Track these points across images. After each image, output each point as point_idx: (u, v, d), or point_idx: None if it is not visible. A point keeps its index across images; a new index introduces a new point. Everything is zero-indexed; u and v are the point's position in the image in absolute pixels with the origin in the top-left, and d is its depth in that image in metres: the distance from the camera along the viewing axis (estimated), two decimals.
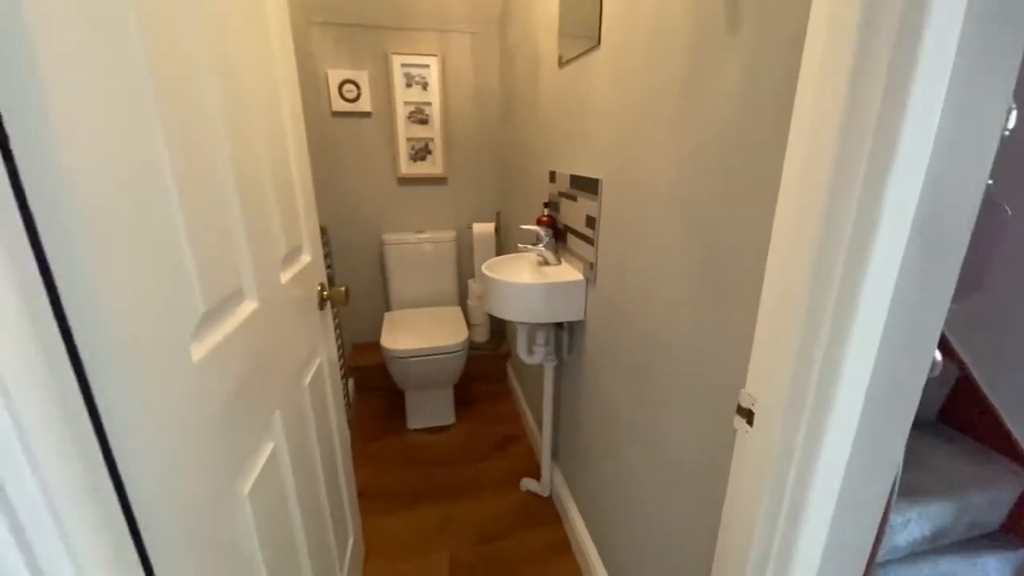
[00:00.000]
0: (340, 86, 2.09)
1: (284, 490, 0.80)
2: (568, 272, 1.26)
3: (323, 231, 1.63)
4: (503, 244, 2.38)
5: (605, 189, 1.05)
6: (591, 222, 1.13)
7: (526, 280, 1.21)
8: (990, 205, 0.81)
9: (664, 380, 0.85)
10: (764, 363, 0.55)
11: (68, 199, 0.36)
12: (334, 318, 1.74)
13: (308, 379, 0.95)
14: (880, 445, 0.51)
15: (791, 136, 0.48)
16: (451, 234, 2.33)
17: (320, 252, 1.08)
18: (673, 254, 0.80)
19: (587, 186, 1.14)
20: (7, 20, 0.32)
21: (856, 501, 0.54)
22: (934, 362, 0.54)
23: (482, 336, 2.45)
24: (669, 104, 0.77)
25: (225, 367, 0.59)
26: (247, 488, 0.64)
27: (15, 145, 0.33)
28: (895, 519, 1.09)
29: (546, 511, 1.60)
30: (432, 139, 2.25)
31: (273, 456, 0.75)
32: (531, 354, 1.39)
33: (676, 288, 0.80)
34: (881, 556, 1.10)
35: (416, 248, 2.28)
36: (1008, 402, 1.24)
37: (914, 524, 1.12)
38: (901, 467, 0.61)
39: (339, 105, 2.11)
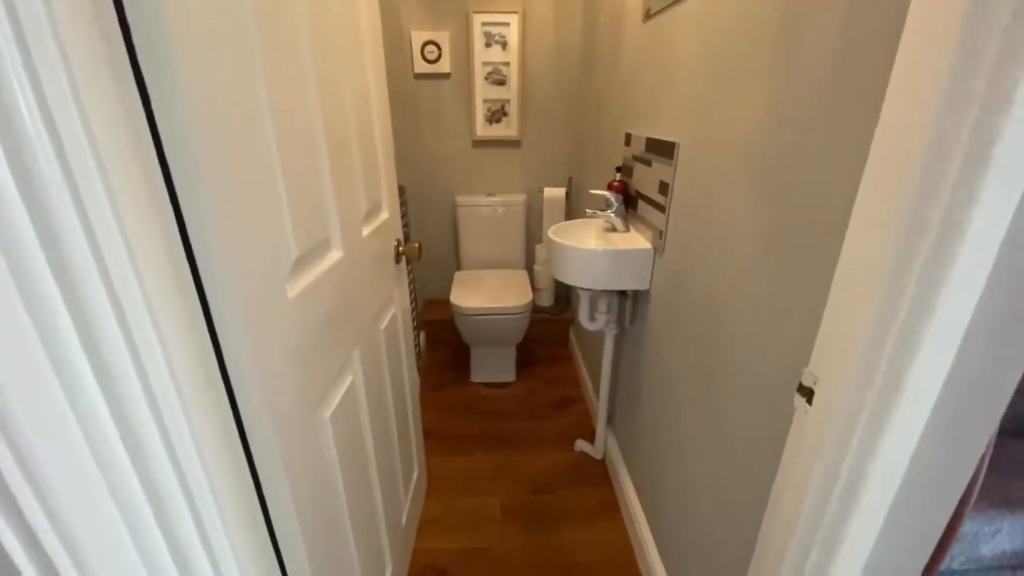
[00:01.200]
0: (423, 47, 2.13)
1: (360, 419, 0.90)
2: (636, 240, 1.24)
3: (401, 190, 1.72)
4: (573, 209, 2.36)
5: (681, 153, 1.01)
6: (664, 188, 1.09)
7: (591, 246, 1.21)
8: None
9: (726, 354, 0.83)
10: (831, 340, 0.52)
11: (192, 141, 0.43)
12: (408, 273, 1.86)
13: (384, 324, 1.05)
14: (956, 440, 0.48)
15: (889, 93, 0.44)
16: (521, 198, 2.34)
17: (398, 210, 1.16)
18: (744, 222, 0.76)
19: (663, 150, 1.09)
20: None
21: (920, 498, 0.51)
22: None
23: (547, 300, 2.48)
24: (758, 57, 0.71)
25: (314, 305, 0.68)
26: (329, 412, 0.74)
27: (151, 87, 0.40)
28: (982, 528, 1.00)
29: (598, 472, 1.65)
30: (508, 101, 2.24)
31: (352, 387, 0.85)
32: (592, 320, 1.40)
33: (744, 258, 0.76)
34: (960, 564, 1.02)
35: (487, 211, 2.33)
36: None
37: (1004, 536, 1.01)
38: (984, 470, 0.56)
39: (421, 67, 2.16)
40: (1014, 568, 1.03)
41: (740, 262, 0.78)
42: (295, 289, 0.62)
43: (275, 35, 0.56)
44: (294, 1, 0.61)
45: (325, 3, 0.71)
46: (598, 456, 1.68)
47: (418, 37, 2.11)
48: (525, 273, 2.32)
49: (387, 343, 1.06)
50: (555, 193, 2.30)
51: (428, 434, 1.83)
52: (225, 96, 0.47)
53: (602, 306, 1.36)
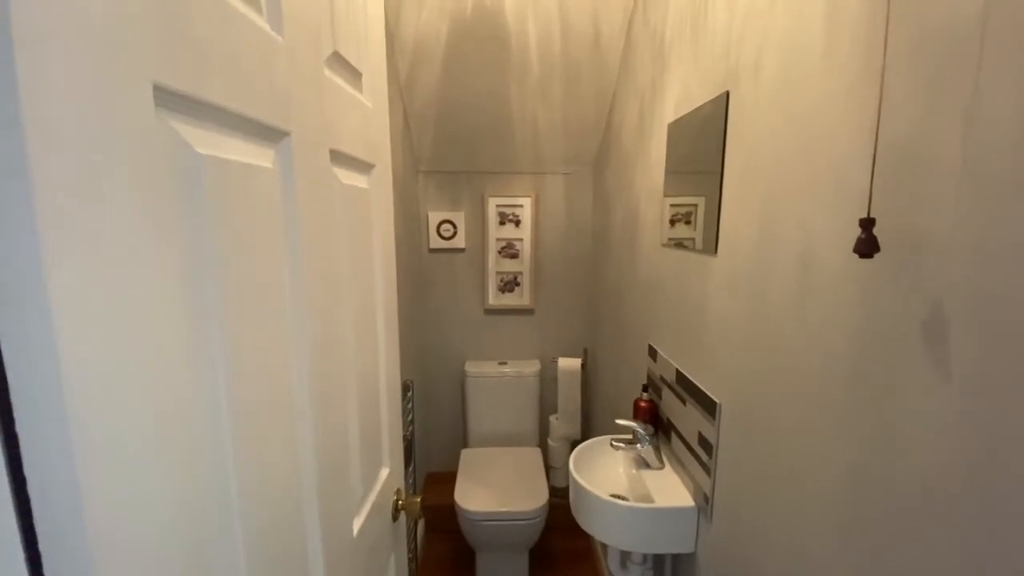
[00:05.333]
0: (438, 226, 2.20)
1: None
2: (674, 488, 1.06)
3: (406, 387, 1.61)
4: (589, 382, 2.23)
5: (725, 416, 0.88)
6: (705, 444, 0.95)
7: (622, 501, 1.03)
8: None
9: None
10: None
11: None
12: (410, 480, 1.66)
13: None
14: None
15: None
16: (535, 367, 2.23)
17: (400, 460, 1.02)
18: (826, 527, 0.59)
19: (700, 399, 0.98)
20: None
21: None
22: None
23: (564, 480, 2.22)
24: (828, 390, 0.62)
25: None
26: None
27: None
28: None
29: None
30: (521, 272, 2.25)
31: None
32: (624, 570, 1.17)
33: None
34: None
35: (498, 380, 2.20)
36: None
37: None
38: None
39: (436, 243, 2.21)
40: None
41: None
42: None
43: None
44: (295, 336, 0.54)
45: (336, 312, 0.65)
46: None
47: (435, 216, 2.19)
48: (539, 453, 2.11)
49: None
50: (570, 364, 2.19)
51: None
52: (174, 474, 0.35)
53: (637, 557, 1.14)
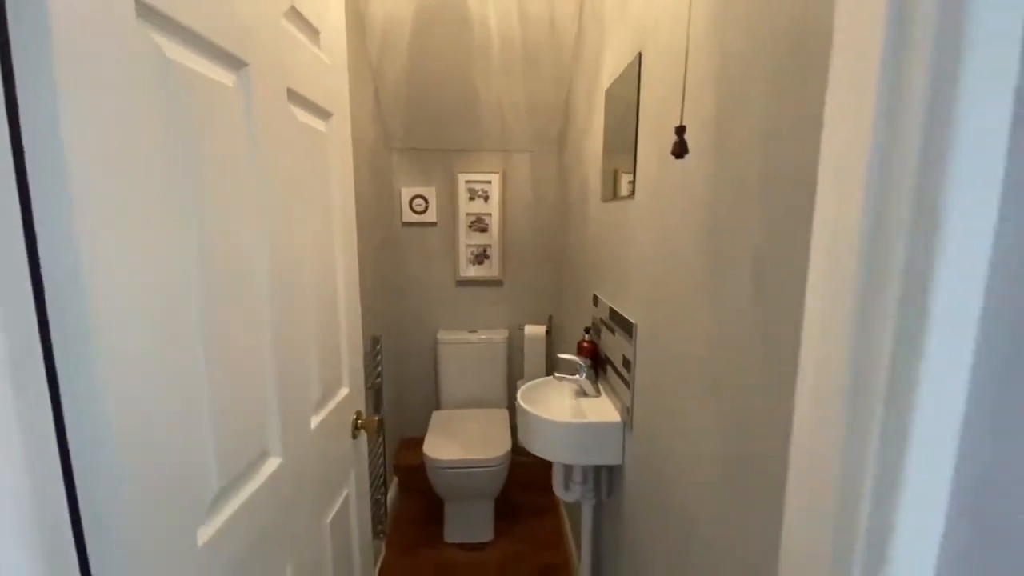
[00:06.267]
0: (411, 201, 2.31)
1: None
2: (606, 409, 1.20)
3: (375, 340, 1.73)
4: (554, 346, 2.36)
5: (640, 335, 1.02)
6: (627, 364, 1.09)
7: (559, 418, 1.17)
8: None
9: (697, 559, 0.75)
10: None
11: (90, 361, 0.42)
12: (379, 435, 1.78)
13: (330, 517, 0.96)
14: None
15: (804, 331, 0.44)
16: (503, 334, 2.36)
17: (359, 376, 1.14)
18: (703, 433, 0.74)
19: (624, 325, 1.12)
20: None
21: None
22: None
23: None
24: (698, 287, 0.75)
25: (234, 539, 0.61)
26: None
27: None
28: None
29: None
30: (490, 245, 2.38)
31: None
32: (567, 491, 1.30)
33: (705, 467, 0.72)
34: None
35: (469, 348, 2.33)
36: None
37: None
38: None
39: (409, 217, 2.32)
40: None
41: (702, 469, 0.74)
42: (210, 530, 0.57)
43: (212, 207, 0.58)
44: (244, 175, 0.65)
45: (286, 172, 0.76)
46: None
47: (408, 192, 2.31)
48: (506, 414, 2.24)
49: (334, 538, 0.97)
50: (536, 331, 2.32)
51: None
52: (144, 318, 0.48)
53: (577, 476, 1.28)
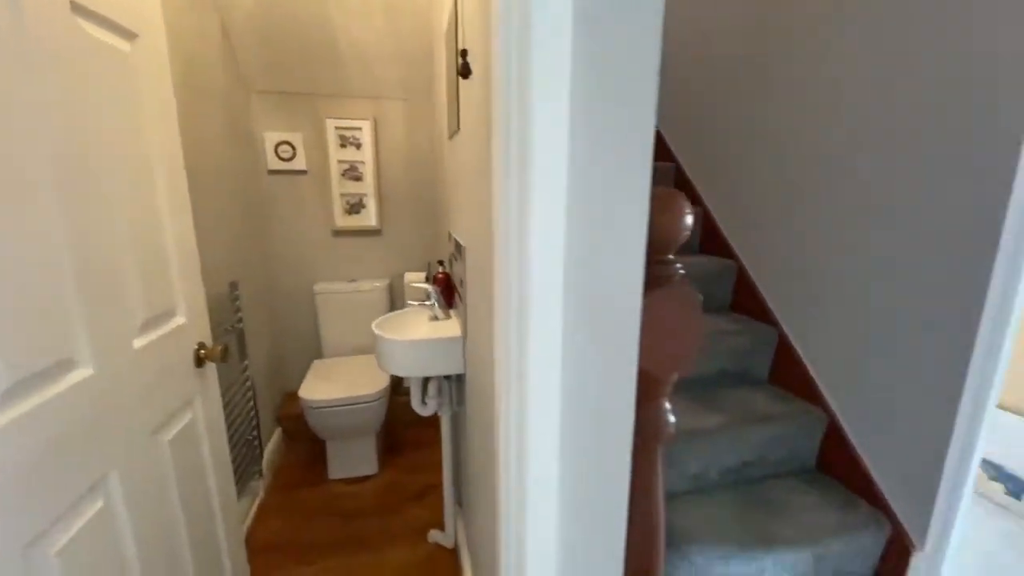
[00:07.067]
0: (276, 147, 2.22)
1: (119, 549, 0.83)
2: (452, 327, 1.35)
3: (233, 286, 1.70)
4: None
5: (467, 256, 1.16)
6: (462, 284, 1.23)
7: (400, 337, 1.29)
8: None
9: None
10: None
11: None
12: (243, 371, 1.78)
13: (171, 435, 1.00)
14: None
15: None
16: (384, 283, 2.41)
17: (204, 312, 1.15)
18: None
19: (459, 249, 1.25)
20: None
21: None
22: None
23: None
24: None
25: (26, 435, 0.64)
26: (55, 548, 0.68)
27: None
28: (748, 567, 1.15)
29: (448, 564, 1.61)
30: (366, 194, 2.38)
31: (103, 514, 0.78)
32: (424, 405, 1.45)
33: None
34: None
35: (348, 297, 2.35)
36: (870, 450, 1.32)
37: (769, 572, 1.18)
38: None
39: (275, 164, 2.23)
40: None
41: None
42: None
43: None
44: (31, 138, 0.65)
45: (85, 132, 0.76)
46: (449, 544, 1.65)
47: (271, 137, 2.21)
48: None
49: (176, 457, 1.01)
50: (417, 277, 2.40)
51: (273, 548, 1.68)
52: None
53: (432, 390, 1.42)
